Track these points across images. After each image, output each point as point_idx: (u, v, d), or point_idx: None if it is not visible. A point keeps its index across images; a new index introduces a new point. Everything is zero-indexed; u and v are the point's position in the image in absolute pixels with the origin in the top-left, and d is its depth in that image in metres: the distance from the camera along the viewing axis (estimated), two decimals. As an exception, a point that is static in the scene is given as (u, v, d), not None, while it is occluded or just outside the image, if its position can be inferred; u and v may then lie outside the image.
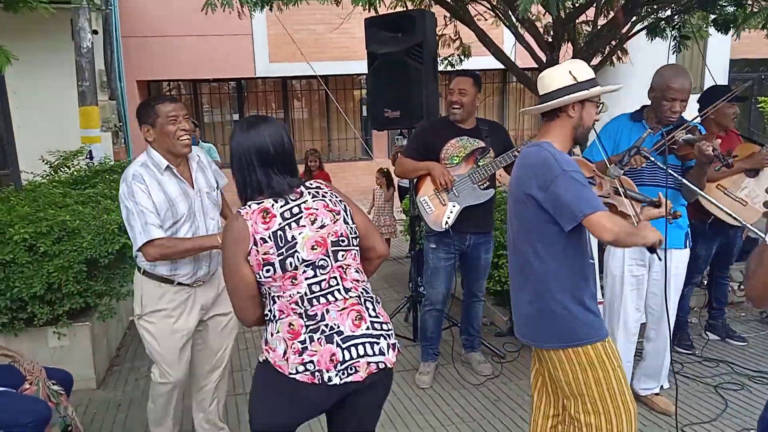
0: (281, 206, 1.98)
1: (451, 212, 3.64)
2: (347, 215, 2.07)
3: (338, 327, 1.97)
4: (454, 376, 3.94)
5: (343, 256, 2.03)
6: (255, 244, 1.93)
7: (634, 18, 5.42)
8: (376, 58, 4.32)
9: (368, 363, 1.98)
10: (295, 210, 1.99)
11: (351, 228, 2.06)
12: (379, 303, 2.12)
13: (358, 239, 2.09)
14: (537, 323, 2.26)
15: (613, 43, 5.62)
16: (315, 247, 1.97)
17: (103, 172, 5.28)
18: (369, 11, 4.65)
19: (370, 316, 2.04)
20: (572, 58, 5.32)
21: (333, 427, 2.20)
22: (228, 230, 2.00)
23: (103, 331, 4.22)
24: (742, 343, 4.16)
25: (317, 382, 1.93)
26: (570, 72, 2.18)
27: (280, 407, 2.03)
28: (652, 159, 2.49)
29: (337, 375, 1.94)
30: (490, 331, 4.66)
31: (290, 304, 1.97)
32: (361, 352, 1.98)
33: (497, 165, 3.60)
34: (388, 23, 4.29)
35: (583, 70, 2.21)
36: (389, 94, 4.23)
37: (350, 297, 2.02)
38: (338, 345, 1.95)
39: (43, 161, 5.42)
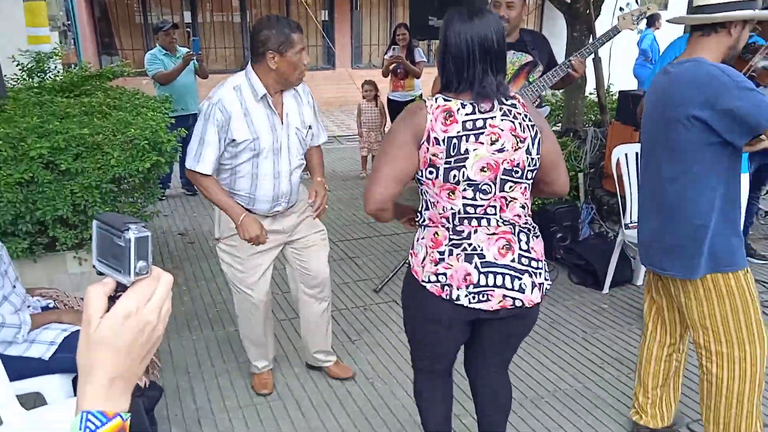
0: (467, 113, 1.79)
1: None
2: (533, 144, 1.84)
3: (481, 250, 1.85)
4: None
5: (510, 187, 1.85)
6: (428, 140, 1.79)
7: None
8: (419, -42, 3.95)
9: (504, 296, 1.86)
10: (479, 123, 1.79)
11: (532, 159, 1.85)
12: (537, 237, 1.96)
13: (536, 172, 1.89)
14: (678, 252, 2.17)
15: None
16: (485, 169, 1.80)
17: (90, 78, 4.70)
18: None
19: (520, 248, 1.89)
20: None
21: (469, 349, 2.17)
22: (410, 112, 1.86)
23: (120, 256, 3.88)
24: (764, 262, 4.32)
25: (444, 298, 1.86)
26: None
27: (417, 318, 2.02)
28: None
29: (466, 296, 1.85)
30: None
31: (441, 217, 1.87)
32: (499, 282, 1.85)
33: (549, 81, 3.41)
34: None
35: None
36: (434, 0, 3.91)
37: (504, 225, 1.88)
38: (476, 267, 1.84)
39: (15, 62, 4.75)
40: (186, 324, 3.57)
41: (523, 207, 1.90)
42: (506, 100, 1.84)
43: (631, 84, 8.29)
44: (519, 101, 1.87)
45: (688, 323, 2.29)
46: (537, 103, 3.49)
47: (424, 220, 1.92)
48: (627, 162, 3.78)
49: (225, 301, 3.84)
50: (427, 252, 1.89)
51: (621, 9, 3.28)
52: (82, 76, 4.61)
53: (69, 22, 8.31)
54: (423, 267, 1.89)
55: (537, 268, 1.92)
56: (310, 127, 2.67)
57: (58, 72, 5.00)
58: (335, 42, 11.59)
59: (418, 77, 6.51)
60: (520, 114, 1.84)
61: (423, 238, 1.92)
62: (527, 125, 1.83)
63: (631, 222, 3.79)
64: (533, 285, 1.89)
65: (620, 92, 4.65)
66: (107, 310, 0.71)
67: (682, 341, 2.46)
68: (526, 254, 1.90)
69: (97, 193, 3.21)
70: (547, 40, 3.75)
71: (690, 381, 2.92)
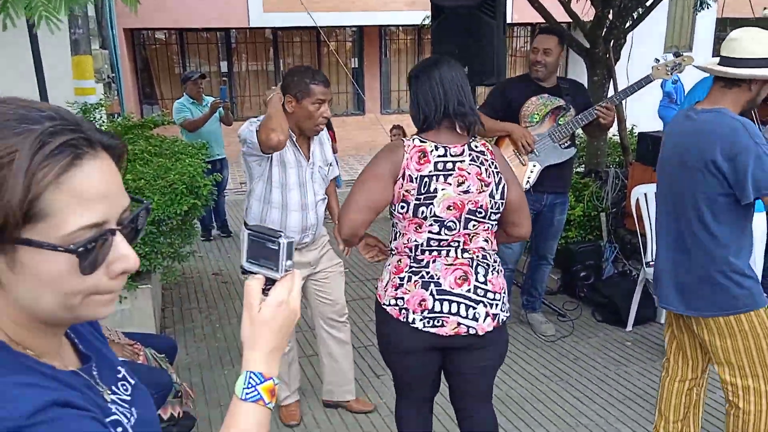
0: (439, 155, 1.98)
1: (532, 172, 3.60)
2: (497, 189, 2.02)
3: (438, 278, 2.01)
4: (523, 336, 3.97)
5: (474, 226, 2.02)
6: (402, 177, 1.97)
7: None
8: (441, 11, 4.16)
9: (458, 323, 2.00)
10: (449, 165, 1.98)
11: (495, 203, 2.03)
12: (497, 272, 2.09)
13: (498, 215, 2.07)
14: (695, 292, 2.25)
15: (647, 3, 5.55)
16: (451, 207, 1.98)
17: (133, 128, 5.00)
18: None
19: (477, 280, 2.03)
20: (609, 17, 5.25)
21: (450, 382, 2.27)
22: (389, 149, 2.05)
23: (158, 294, 4.08)
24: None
25: (401, 320, 2.02)
26: None
27: (383, 343, 2.18)
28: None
29: (421, 320, 2.00)
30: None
31: (405, 247, 2.04)
32: (453, 310, 2.00)
33: (578, 123, 3.55)
34: (456, -25, 4.11)
35: None
36: (456, 50, 4.09)
37: (463, 258, 2.02)
38: (432, 294, 2.00)
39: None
40: (219, 359, 3.72)
41: (486, 240, 2.06)
42: (476, 147, 2.02)
43: (654, 124, 8.36)
44: (488, 149, 2.05)
45: (713, 358, 2.34)
46: (567, 144, 3.63)
47: (392, 250, 2.11)
48: (647, 201, 3.86)
49: (256, 338, 3.98)
50: (390, 277, 2.08)
51: (656, 60, 3.43)
52: (126, 126, 4.91)
53: (113, 74, 8.77)
54: (386, 291, 2.08)
55: (493, 299, 2.05)
56: (330, 164, 2.93)
57: (103, 121, 5.33)
58: (365, 89, 11.93)
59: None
60: (488, 161, 2.03)
61: (389, 265, 2.11)
62: (493, 171, 2.02)
63: (652, 260, 3.84)
64: (487, 314, 2.03)
65: (640, 134, 4.75)
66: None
67: (703, 376, 2.50)
68: (482, 286, 2.04)
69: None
70: (585, 89, 3.90)
71: (709, 414, 2.93)
